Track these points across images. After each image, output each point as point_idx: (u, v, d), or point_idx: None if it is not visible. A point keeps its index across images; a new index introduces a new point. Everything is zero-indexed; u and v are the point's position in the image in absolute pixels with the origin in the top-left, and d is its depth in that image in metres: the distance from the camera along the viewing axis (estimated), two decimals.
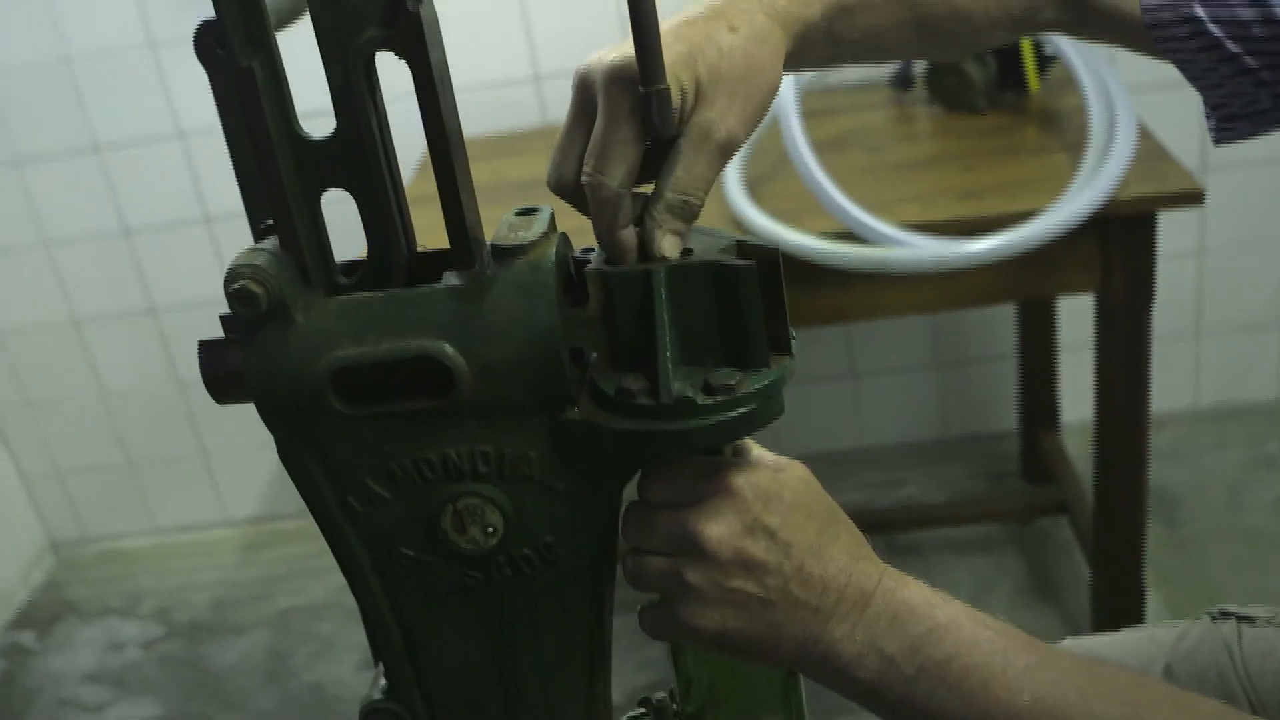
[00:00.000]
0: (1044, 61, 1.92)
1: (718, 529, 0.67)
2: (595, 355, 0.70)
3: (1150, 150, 1.68)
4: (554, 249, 0.67)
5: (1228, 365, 2.54)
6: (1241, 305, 2.49)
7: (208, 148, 2.31)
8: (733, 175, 1.71)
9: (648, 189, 0.72)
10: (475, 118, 2.31)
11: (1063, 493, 2.20)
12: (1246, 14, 0.79)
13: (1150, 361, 1.73)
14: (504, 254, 0.66)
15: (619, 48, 0.69)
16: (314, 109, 0.73)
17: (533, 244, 0.67)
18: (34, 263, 2.49)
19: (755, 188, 1.72)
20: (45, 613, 2.59)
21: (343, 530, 0.73)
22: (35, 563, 2.70)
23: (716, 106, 0.70)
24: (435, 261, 0.69)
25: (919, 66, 2.03)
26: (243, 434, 2.58)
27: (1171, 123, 1.90)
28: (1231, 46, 0.80)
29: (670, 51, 0.70)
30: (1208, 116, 0.89)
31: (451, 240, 0.67)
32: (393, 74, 0.69)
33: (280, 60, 0.64)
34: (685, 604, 0.69)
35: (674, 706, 0.84)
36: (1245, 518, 2.30)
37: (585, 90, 0.71)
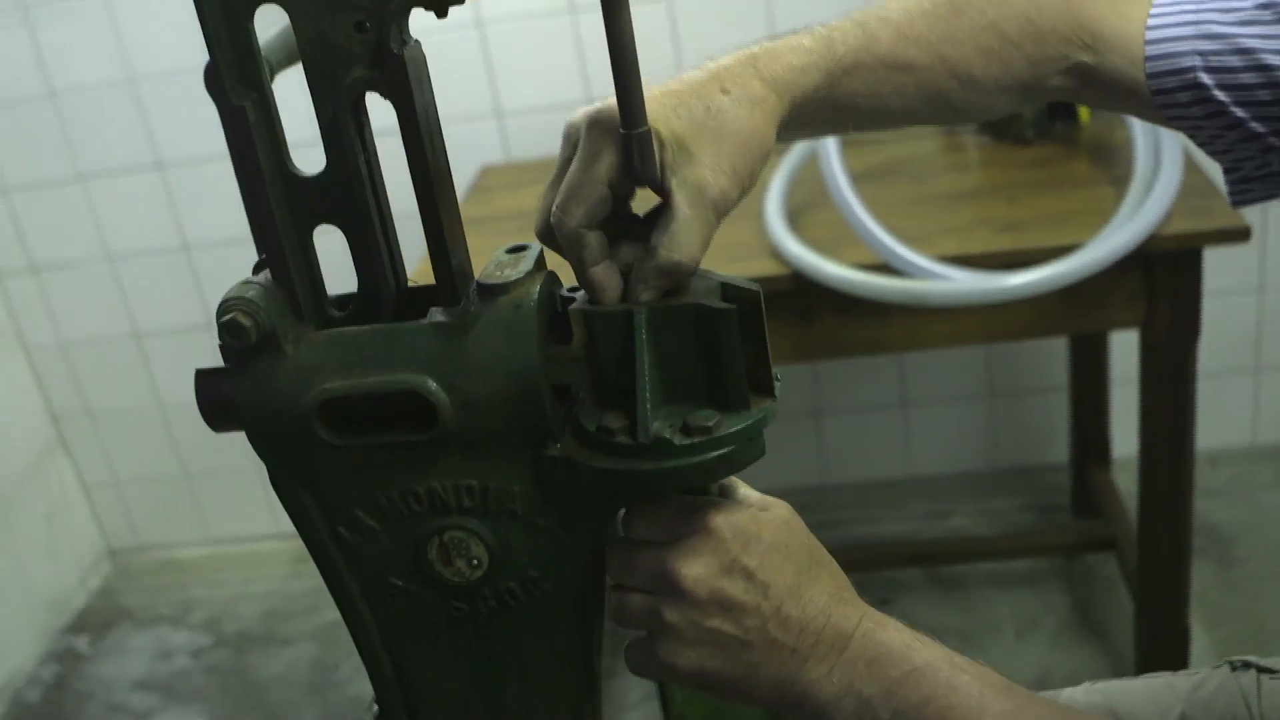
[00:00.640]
0: None
1: (695, 568, 0.67)
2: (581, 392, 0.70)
3: (1197, 185, 1.65)
4: (538, 287, 0.67)
5: None
6: None
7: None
8: (773, 204, 1.71)
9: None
10: (527, 142, 2.33)
11: (1110, 528, 2.16)
12: (1250, 78, 0.78)
13: (1195, 398, 1.70)
14: (489, 292, 0.67)
15: (607, 99, 0.70)
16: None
17: (517, 282, 0.67)
18: (98, 276, 2.55)
19: (796, 217, 1.72)
20: (100, 618, 2.64)
21: (334, 559, 0.74)
22: (92, 569, 2.75)
23: (704, 163, 0.71)
24: (425, 297, 0.70)
25: None
26: None
27: None
28: (1237, 112, 0.79)
29: (658, 104, 0.70)
30: (1225, 179, 0.88)
31: (438, 278, 0.68)
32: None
33: (273, 99, 0.65)
34: (663, 642, 0.69)
35: None
36: None
37: (570, 138, 0.72)
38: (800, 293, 1.61)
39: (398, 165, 0.67)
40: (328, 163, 0.66)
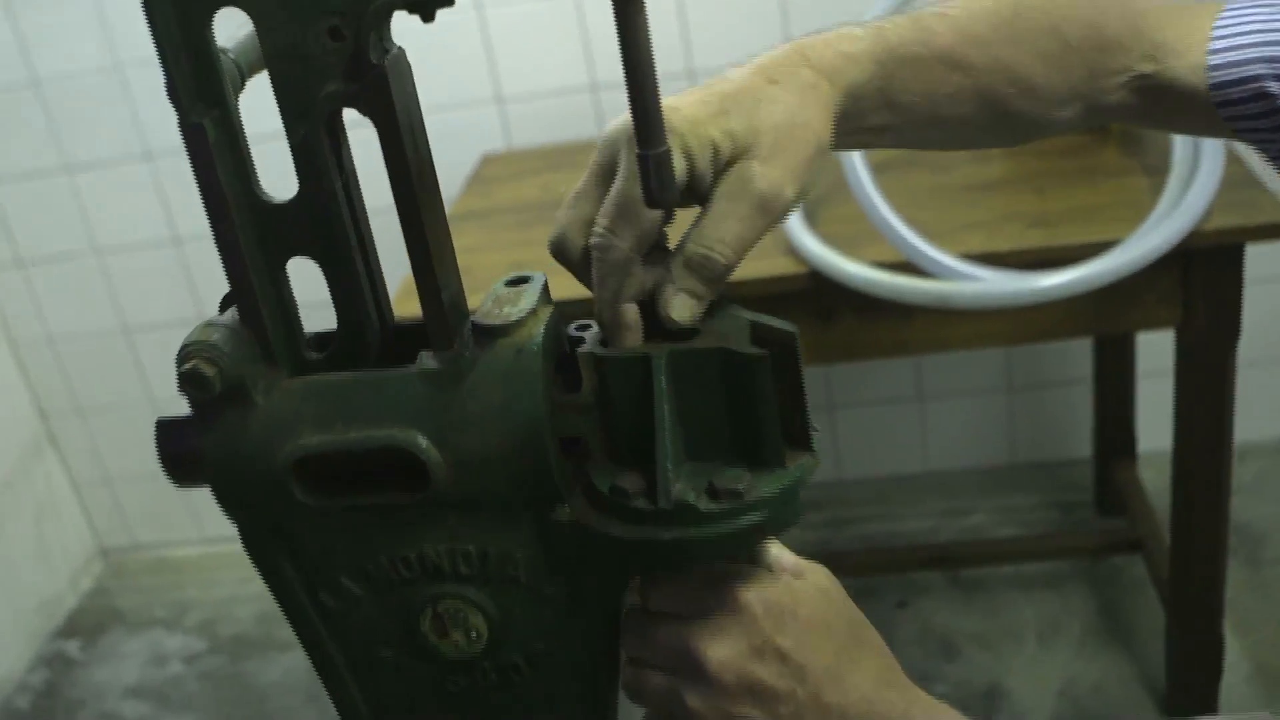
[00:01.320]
0: None
1: (722, 650, 0.59)
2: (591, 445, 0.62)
3: (1238, 177, 1.56)
4: (542, 329, 0.59)
5: None
6: None
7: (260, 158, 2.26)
8: None
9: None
10: (529, 128, 2.24)
11: (1137, 529, 2.08)
12: None
13: (1234, 401, 1.62)
14: (487, 333, 0.59)
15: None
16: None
17: (519, 323, 0.59)
18: (86, 270, 2.46)
19: (813, 211, 1.63)
20: (92, 620, 2.56)
21: (315, 627, 0.66)
22: (84, 569, 2.67)
23: (755, 156, 0.62)
24: (414, 336, 0.62)
25: None
26: None
27: None
28: None
29: (706, 106, 0.62)
30: None
31: (427, 316, 0.59)
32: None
33: (237, 115, 0.57)
34: None
35: None
36: None
37: (609, 148, 0.63)
38: (818, 292, 1.53)
39: (380, 184, 0.59)
40: (300, 188, 0.58)
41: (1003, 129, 0.73)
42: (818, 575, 0.64)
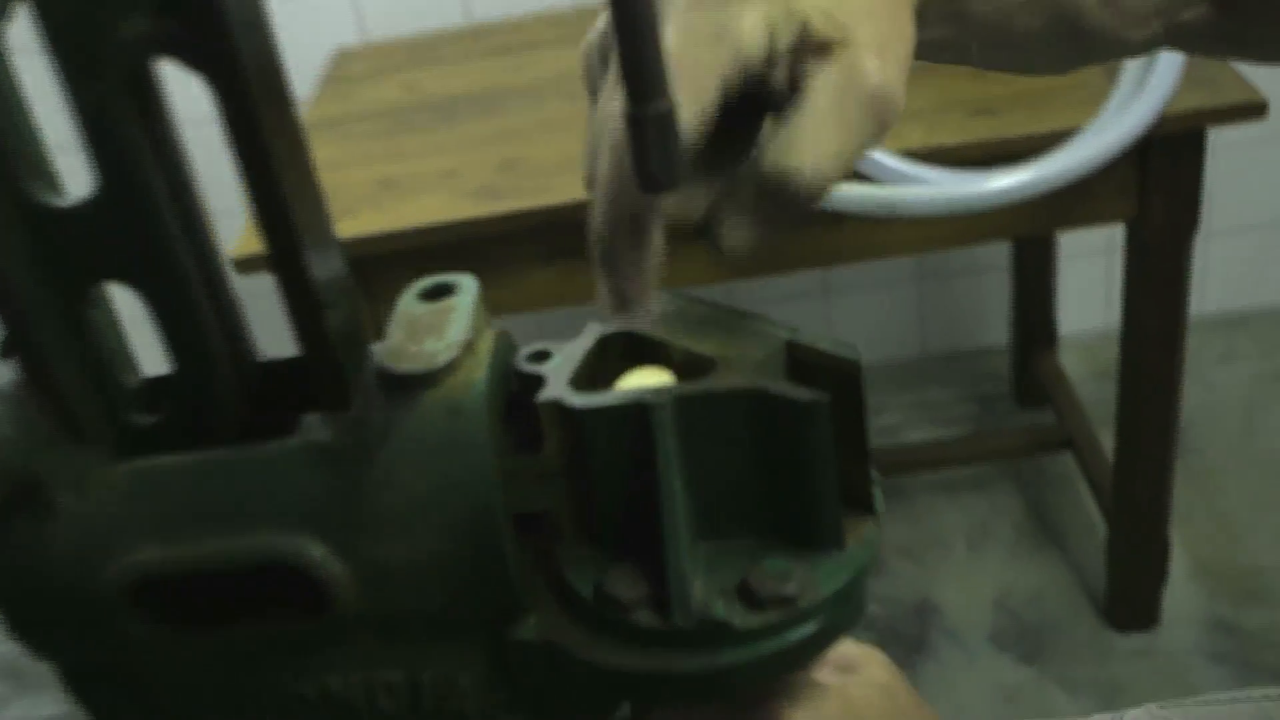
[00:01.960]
0: None
1: None
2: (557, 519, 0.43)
3: None
4: (485, 374, 0.40)
5: (1235, 268, 2.31)
6: (1252, 203, 2.24)
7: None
8: None
9: None
10: (384, 20, 1.99)
11: (1067, 425, 1.97)
12: None
13: (1188, 297, 1.49)
14: (402, 384, 0.39)
15: None
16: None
17: (450, 366, 0.40)
18: None
19: None
20: None
21: None
22: None
23: (860, 42, 0.43)
24: (290, 379, 0.42)
25: None
26: None
27: None
28: None
29: None
30: None
31: (309, 359, 0.39)
32: None
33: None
34: None
35: None
36: (1263, 443, 2.09)
37: (589, 73, 0.44)
38: None
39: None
40: (100, 185, 0.37)
41: (1071, 49, 0.55)
42: (874, 668, 0.47)
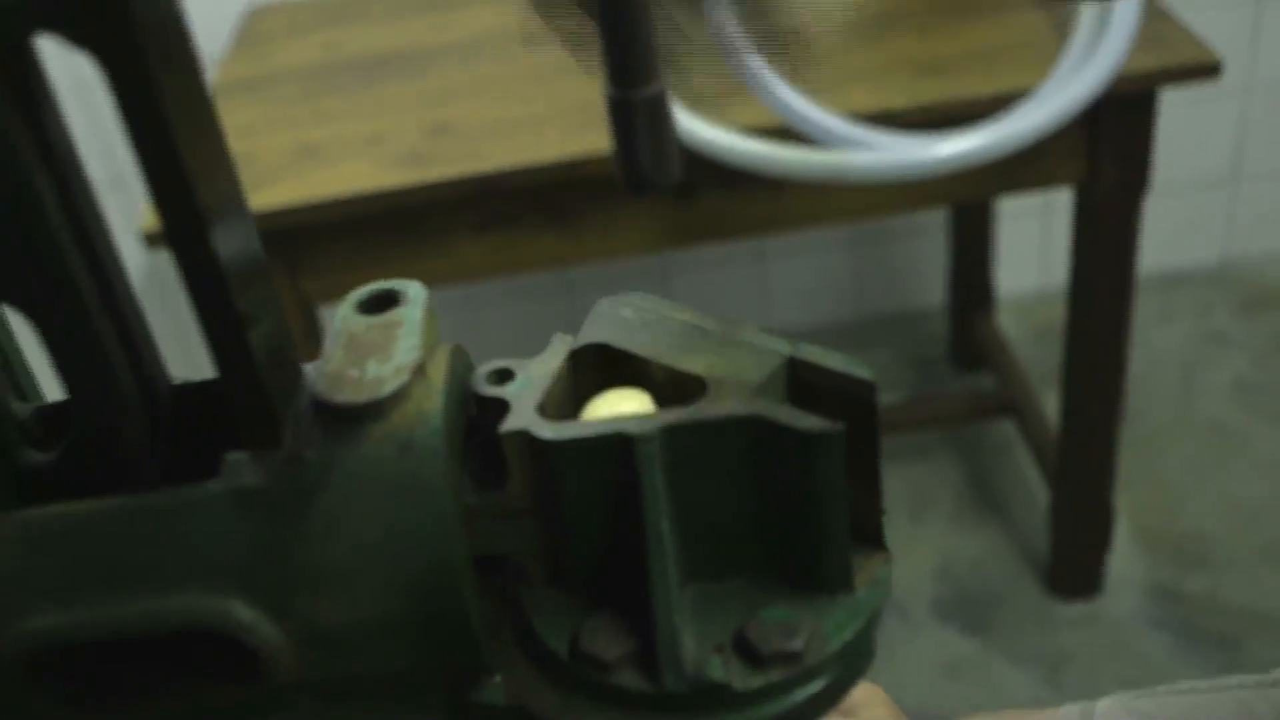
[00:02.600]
0: None
1: None
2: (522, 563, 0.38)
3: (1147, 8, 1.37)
4: (440, 400, 0.34)
5: (1169, 226, 2.29)
6: (1188, 161, 2.23)
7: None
8: None
9: None
10: None
11: (1007, 390, 1.94)
12: None
13: (1137, 260, 1.46)
14: (342, 417, 0.34)
15: None
16: None
17: (398, 395, 0.34)
18: None
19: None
20: None
21: None
22: None
23: None
24: (213, 410, 0.36)
25: None
26: None
27: None
28: None
29: None
30: None
31: (229, 385, 0.33)
32: None
33: None
34: None
35: None
36: (1201, 405, 2.08)
37: None
38: None
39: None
40: None
41: None
42: (876, 708, 0.42)
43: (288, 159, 1.34)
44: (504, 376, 0.37)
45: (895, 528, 1.62)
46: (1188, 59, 1.28)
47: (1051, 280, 2.25)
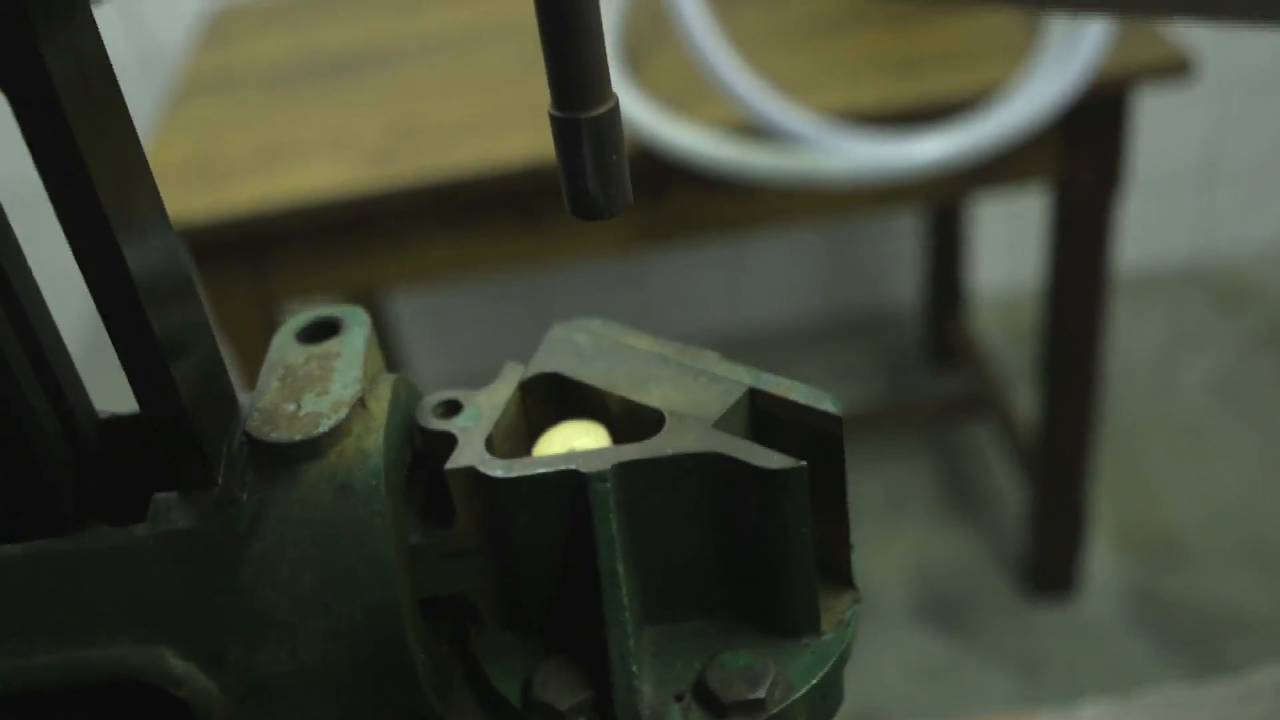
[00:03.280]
0: None
1: None
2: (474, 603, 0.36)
3: None
4: (380, 437, 0.32)
5: (1144, 223, 2.29)
6: (1162, 158, 2.22)
7: None
8: (608, 42, 1.34)
9: None
10: None
11: (985, 390, 1.93)
12: None
13: (1114, 253, 1.44)
14: (277, 456, 0.32)
15: None
16: None
17: (336, 431, 0.32)
18: None
19: (635, 60, 1.36)
20: None
21: None
22: None
23: None
24: (141, 445, 0.34)
25: None
26: None
27: None
28: None
29: None
30: None
31: (150, 424, 0.31)
32: None
33: None
34: None
35: None
36: (1177, 403, 2.07)
37: None
38: (645, 165, 1.26)
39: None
40: None
41: None
42: None
43: (254, 158, 1.32)
44: (452, 409, 0.35)
45: (870, 529, 1.61)
46: (1162, 57, 1.27)
47: (1022, 279, 2.24)
